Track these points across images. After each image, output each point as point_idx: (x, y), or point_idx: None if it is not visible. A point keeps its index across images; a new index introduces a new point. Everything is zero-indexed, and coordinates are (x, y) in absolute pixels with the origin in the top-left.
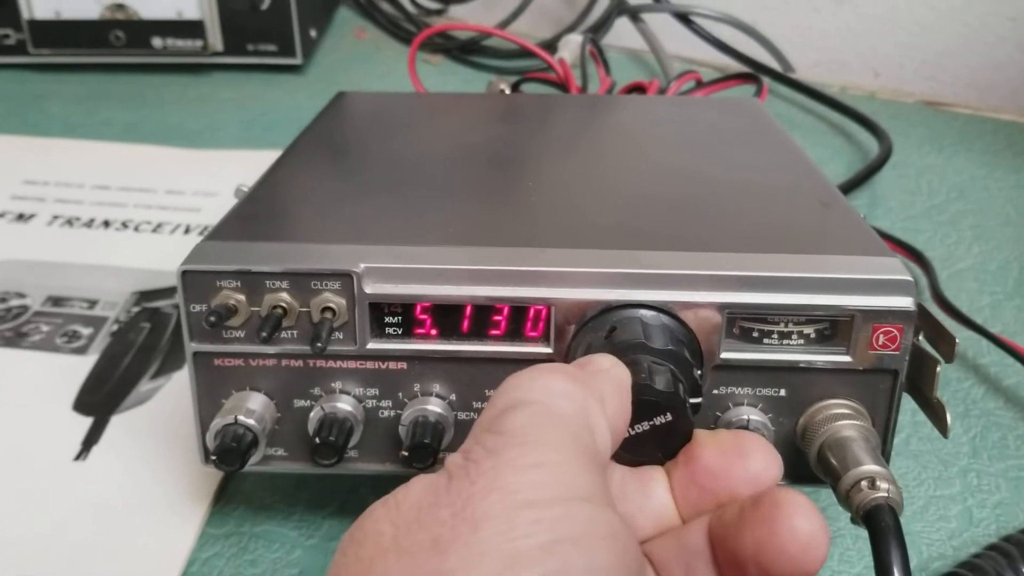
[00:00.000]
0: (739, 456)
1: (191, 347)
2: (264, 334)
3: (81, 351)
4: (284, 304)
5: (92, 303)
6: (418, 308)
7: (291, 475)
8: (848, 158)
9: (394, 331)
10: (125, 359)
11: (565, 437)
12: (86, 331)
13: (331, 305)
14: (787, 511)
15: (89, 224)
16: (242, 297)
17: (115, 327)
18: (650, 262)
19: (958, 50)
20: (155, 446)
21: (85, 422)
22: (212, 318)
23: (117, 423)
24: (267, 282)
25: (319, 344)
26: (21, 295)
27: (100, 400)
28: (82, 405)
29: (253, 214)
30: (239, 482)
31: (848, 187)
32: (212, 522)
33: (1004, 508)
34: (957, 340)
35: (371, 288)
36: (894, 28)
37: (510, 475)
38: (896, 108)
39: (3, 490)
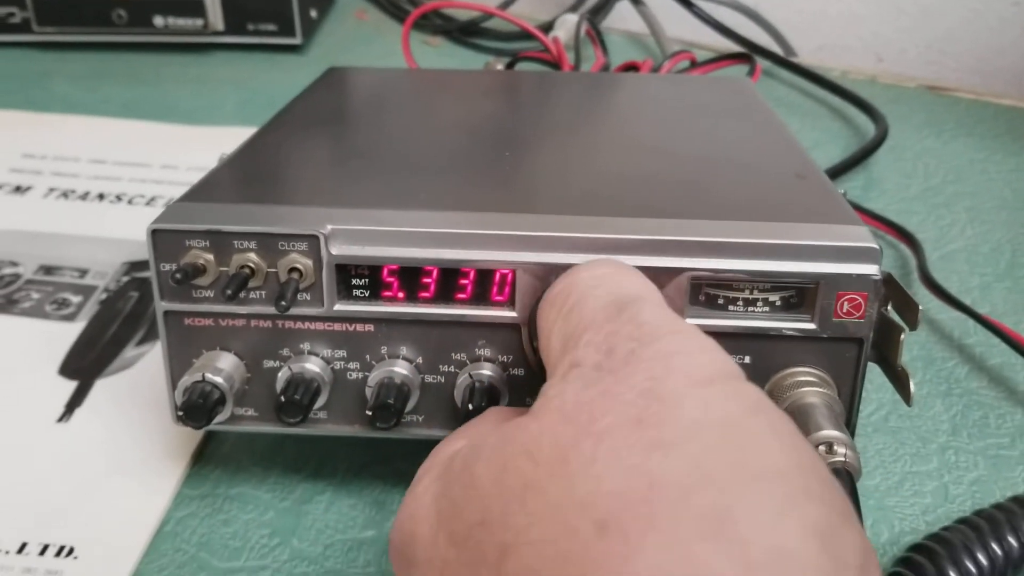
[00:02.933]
0: None
1: (161, 306)
2: (229, 292)
3: (70, 318)
4: (252, 264)
5: (83, 272)
6: (385, 271)
7: (268, 438)
8: (845, 141)
9: (361, 293)
10: (112, 326)
11: (698, 329)
12: (75, 299)
13: (298, 266)
14: None
15: (84, 197)
16: (211, 257)
17: (104, 295)
18: (614, 228)
19: (962, 35)
20: (137, 409)
21: (70, 386)
22: (178, 275)
23: (101, 387)
24: (235, 242)
25: (283, 303)
26: (14, 263)
27: (86, 365)
28: (68, 370)
29: (228, 177)
30: (218, 445)
31: (843, 168)
32: (189, 483)
33: (981, 485)
34: (921, 307)
35: (337, 250)
36: (897, 12)
37: (682, 359)
38: (897, 92)
39: None
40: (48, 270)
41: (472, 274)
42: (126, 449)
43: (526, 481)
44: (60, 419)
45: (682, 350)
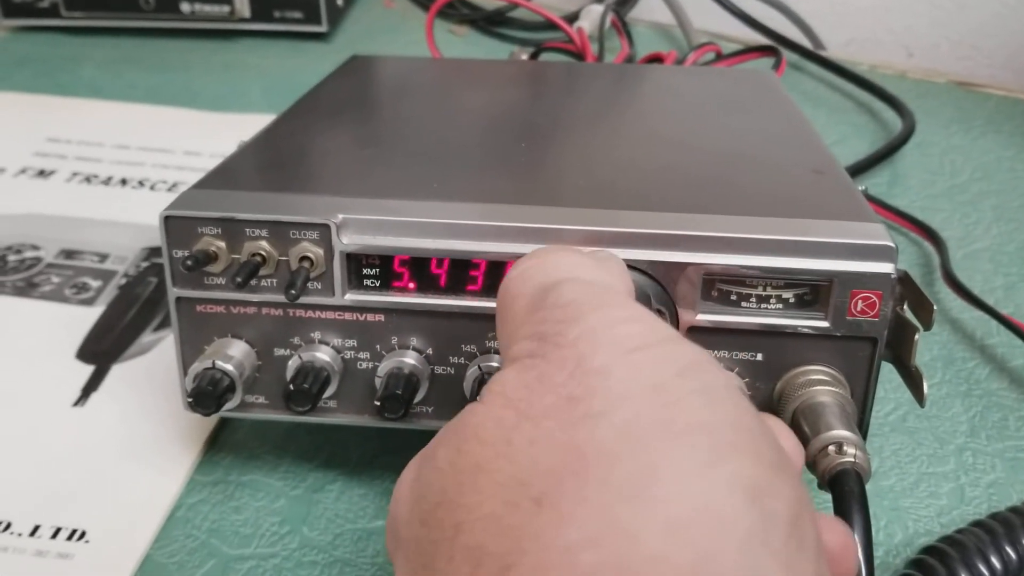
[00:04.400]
0: None
1: (173, 292)
2: (239, 279)
3: (89, 302)
4: (263, 252)
5: (103, 257)
6: (396, 261)
7: (281, 427)
8: (872, 136)
9: (372, 283)
10: (130, 311)
11: (629, 299)
12: (95, 283)
13: (309, 255)
14: None
15: (107, 182)
16: (222, 244)
17: (123, 280)
18: (627, 221)
19: (995, 30)
20: (152, 394)
21: (87, 370)
22: (189, 262)
23: (117, 372)
24: (247, 230)
25: (293, 292)
26: (36, 247)
27: (103, 349)
28: (85, 354)
29: (243, 165)
30: (231, 432)
31: (868, 164)
32: (201, 469)
33: (998, 488)
34: (935, 307)
35: (348, 239)
36: (929, 7)
37: (607, 332)
38: (926, 88)
39: (2, 431)
40: (69, 254)
41: (483, 266)
42: (140, 434)
43: (476, 461)
44: (76, 403)
45: (607, 323)
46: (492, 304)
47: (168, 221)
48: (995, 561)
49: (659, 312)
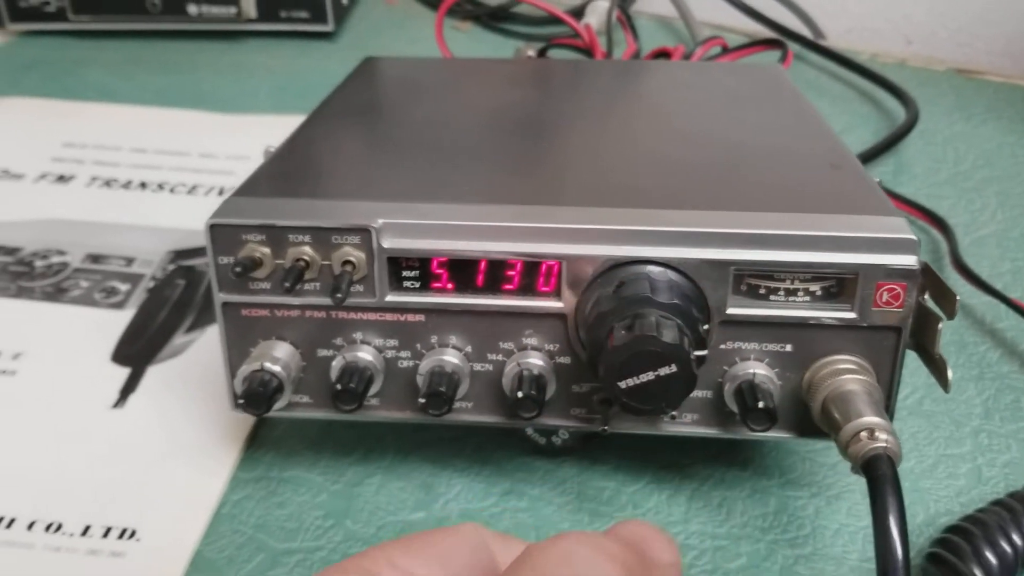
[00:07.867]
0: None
1: (220, 297)
2: (287, 284)
3: (119, 306)
4: (307, 257)
5: (129, 261)
6: (434, 262)
7: (317, 424)
8: (875, 125)
9: (412, 284)
10: (161, 313)
11: None
12: (123, 287)
13: (351, 259)
14: None
15: (126, 186)
16: (267, 250)
17: (151, 283)
18: (659, 220)
19: (994, 17)
20: (189, 395)
21: (123, 372)
22: (238, 269)
23: (153, 373)
24: (290, 236)
25: (339, 295)
26: (61, 252)
27: (137, 351)
28: (120, 356)
29: (279, 172)
30: (269, 430)
31: (873, 153)
32: (243, 467)
33: (1013, 467)
34: (958, 297)
35: (388, 243)
36: None
37: None
38: (926, 76)
39: (43, 435)
40: (95, 259)
41: (519, 266)
42: (181, 434)
43: None
44: (115, 405)
45: None
46: (528, 303)
47: (213, 229)
48: (1016, 538)
49: (681, 308)
